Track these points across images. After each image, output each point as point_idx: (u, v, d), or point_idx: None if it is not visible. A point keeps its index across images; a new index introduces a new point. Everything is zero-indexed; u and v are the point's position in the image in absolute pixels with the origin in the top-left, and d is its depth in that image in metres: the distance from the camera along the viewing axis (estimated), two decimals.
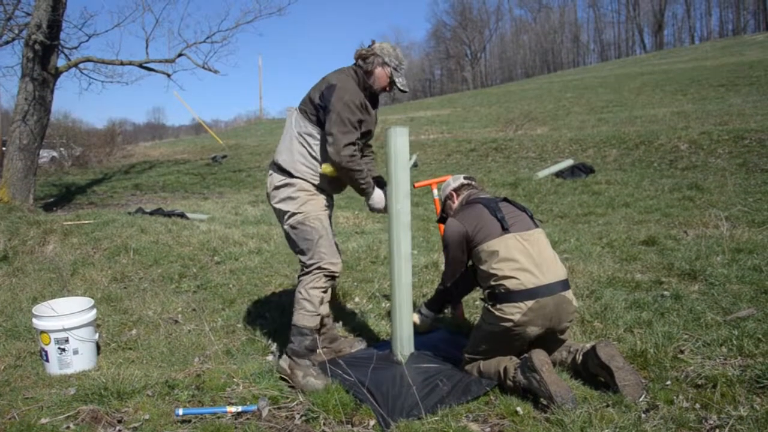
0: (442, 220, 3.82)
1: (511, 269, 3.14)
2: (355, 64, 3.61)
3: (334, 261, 3.51)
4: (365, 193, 3.59)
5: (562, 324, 3.23)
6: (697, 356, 3.30)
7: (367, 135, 3.64)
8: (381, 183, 3.74)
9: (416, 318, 3.93)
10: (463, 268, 3.55)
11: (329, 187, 3.60)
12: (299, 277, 3.58)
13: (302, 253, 3.54)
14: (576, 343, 3.41)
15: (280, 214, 3.58)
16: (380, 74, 3.54)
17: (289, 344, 3.52)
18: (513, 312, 3.10)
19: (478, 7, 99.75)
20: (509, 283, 3.12)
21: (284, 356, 3.53)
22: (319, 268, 3.47)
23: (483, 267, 3.27)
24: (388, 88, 3.61)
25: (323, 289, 3.50)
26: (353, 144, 3.37)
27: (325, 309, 3.68)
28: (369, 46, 3.60)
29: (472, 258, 3.41)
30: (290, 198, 3.51)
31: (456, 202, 3.72)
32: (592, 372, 3.14)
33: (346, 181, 3.55)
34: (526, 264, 3.16)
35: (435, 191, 4.36)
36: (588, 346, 3.21)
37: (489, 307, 3.21)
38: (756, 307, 3.91)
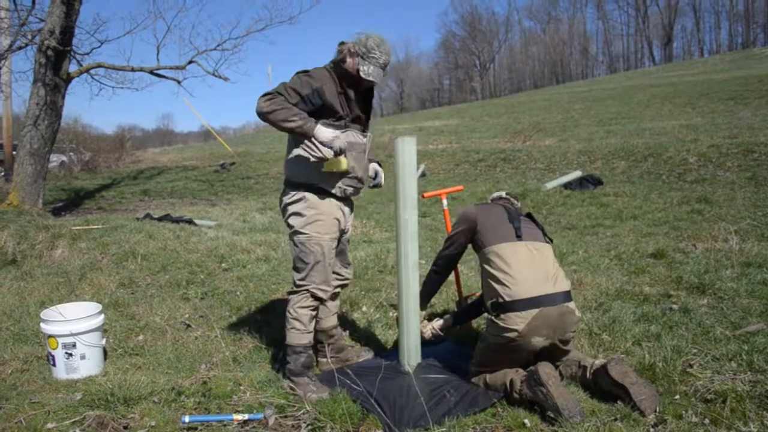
0: None
1: (515, 275, 3.16)
2: None
3: (324, 288, 3.50)
4: (304, 129, 3.29)
5: (566, 334, 3.21)
6: (707, 371, 3.28)
7: (357, 121, 3.58)
8: (376, 162, 3.83)
9: (434, 326, 3.87)
10: (455, 258, 3.69)
11: (344, 185, 3.52)
12: (288, 294, 3.59)
13: (296, 270, 3.55)
14: (585, 357, 3.39)
15: (288, 227, 3.58)
16: (350, 63, 3.49)
17: (285, 365, 3.53)
18: (517, 322, 3.09)
19: (488, 18, 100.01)
20: (513, 290, 3.12)
21: (285, 376, 3.53)
22: (307, 290, 3.47)
23: (489, 269, 3.27)
24: (360, 78, 3.48)
25: (311, 308, 3.51)
26: (273, 93, 3.31)
27: (330, 321, 3.75)
28: None
29: (480, 258, 3.42)
30: (298, 214, 3.49)
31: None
32: (606, 390, 3.12)
33: (279, 129, 3.35)
34: (531, 273, 3.17)
35: (444, 201, 4.34)
36: (598, 363, 3.19)
37: (493, 318, 3.20)
38: (766, 322, 3.89)
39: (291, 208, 3.53)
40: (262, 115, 3.30)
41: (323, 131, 3.33)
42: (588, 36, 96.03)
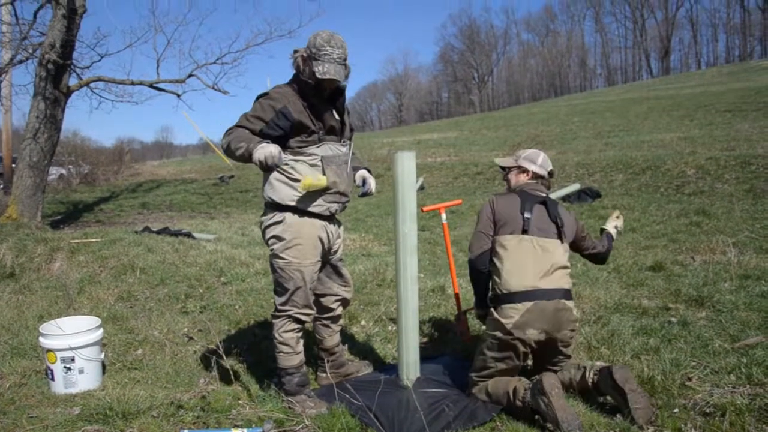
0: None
1: (515, 268, 3.22)
2: None
3: (306, 312, 3.45)
4: (251, 153, 3.07)
5: (562, 331, 3.22)
6: (705, 384, 3.28)
7: (332, 132, 3.42)
8: (364, 169, 3.68)
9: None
10: (487, 244, 3.47)
11: (326, 203, 3.40)
12: (272, 317, 3.52)
13: (276, 293, 3.48)
14: (586, 362, 3.40)
15: (269, 249, 3.49)
16: (305, 70, 3.32)
17: (281, 385, 3.50)
18: (512, 314, 3.14)
19: (486, 31, 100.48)
20: (511, 283, 3.19)
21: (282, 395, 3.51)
22: (289, 316, 3.43)
23: (494, 259, 3.37)
24: (319, 81, 3.28)
25: (296, 330, 3.46)
26: (232, 129, 3.24)
27: (333, 341, 3.78)
28: None
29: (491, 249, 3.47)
30: (277, 237, 3.38)
31: (513, 181, 3.73)
32: (603, 392, 3.13)
33: (242, 162, 3.21)
34: (531, 267, 3.22)
35: (443, 215, 4.34)
36: (599, 364, 3.21)
37: (492, 310, 3.25)
38: (764, 335, 3.89)
39: (269, 231, 3.42)
40: (225, 151, 3.25)
41: (256, 151, 3.05)
42: (586, 48, 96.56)
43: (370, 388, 3.46)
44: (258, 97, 3.37)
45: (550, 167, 3.72)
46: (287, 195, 3.34)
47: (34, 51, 10.94)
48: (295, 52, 3.36)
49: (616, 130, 21.83)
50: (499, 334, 3.20)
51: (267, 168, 3.09)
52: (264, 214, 3.50)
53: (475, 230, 3.57)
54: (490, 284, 3.39)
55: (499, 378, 3.29)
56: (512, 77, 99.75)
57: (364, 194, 3.64)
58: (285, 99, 3.29)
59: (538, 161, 3.69)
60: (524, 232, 3.33)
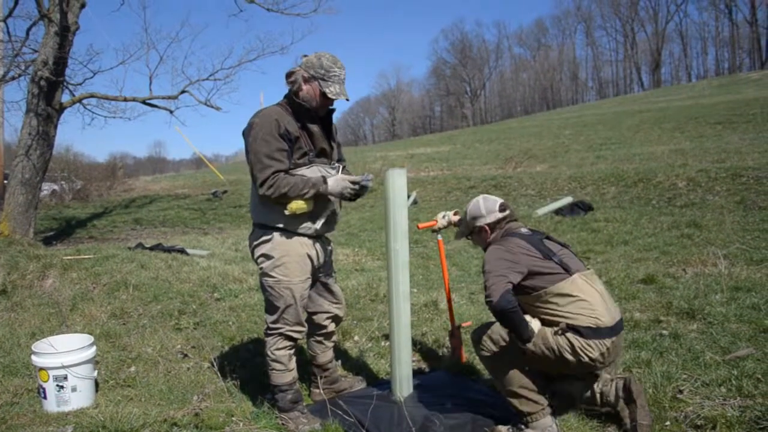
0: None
1: (587, 310, 3.01)
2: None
3: (297, 329, 3.46)
4: (319, 192, 3.27)
5: (618, 357, 3.26)
6: (697, 396, 3.30)
7: (323, 154, 3.44)
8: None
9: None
10: (508, 283, 3.02)
11: (313, 224, 3.41)
12: (265, 334, 3.52)
13: (267, 312, 3.49)
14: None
15: (258, 268, 3.50)
16: (308, 90, 3.34)
17: (274, 402, 3.51)
18: (594, 349, 2.97)
19: (478, 46, 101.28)
20: (588, 323, 2.99)
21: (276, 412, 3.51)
22: (281, 334, 3.44)
23: (548, 308, 3.08)
24: (326, 102, 3.37)
25: (288, 348, 3.47)
26: (269, 177, 3.20)
27: (326, 357, 3.79)
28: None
29: (528, 299, 3.14)
30: (266, 256, 3.40)
31: (491, 236, 3.41)
32: (607, 402, 3.15)
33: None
34: (600, 304, 3.05)
35: (439, 235, 4.31)
36: (616, 374, 3.24)
37: (573, 336, 3.00)
38: (755, 347, 3.91)
39: (258, 250, 3.44)
40: (278, 199, 3.23)
41: (334, 187, 3.30)
42: (577, 62, 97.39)
43: (363, 404, 3.46)
44: (255, 130, 3.27)
45: (496, 205, 3.43)
46: (275, 217, 3.36)
47: (27, 68, 10.96)
48: (292, 73, 3.35)
49: (608, 143, 21.98)
50: (585, 359, 3.00)
51: (352, 197, 3.36)
52: (252, 234, 3.52)
53: (489, 275, 3.06)
54: (565, 318, 3.05)
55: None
56: (504, 91, 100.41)
57: (365, 186, 3.39)
58: (281, 120, 3.28)
59: (483, 211, 3.42)
60: (567, 272, 3.10)
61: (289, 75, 3.38)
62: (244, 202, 18.54)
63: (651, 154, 16.72)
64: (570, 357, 2.99)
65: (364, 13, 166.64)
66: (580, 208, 11.16)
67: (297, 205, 3.24)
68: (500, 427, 3.19)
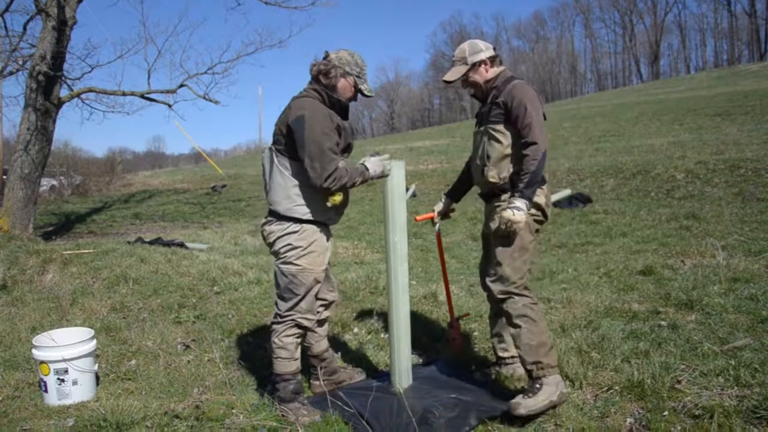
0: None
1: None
2: (314, 80, 3.48)
3: (309, 317, 3.49)
4: (365, 179, 3.41)
5: None
6: (694, 386, 3.31)
7: (347, 149, 3.53)
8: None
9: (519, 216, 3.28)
10: None
11: (336, 215, 3.53)
12: (272, 324, 3.54)
13: (282, 299, 3.47)
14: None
15: (277, 254, 3.46)
16: (344, 85, 3.45)
17: (275, 392, 3.51)
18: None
19: (477, 38, 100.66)
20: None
21: (275, 403, 3.52)
22: (293, 320, 3.45)
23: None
24: (354, 98, 3.55)
25: (296, 335, 3.49)
26: (336, 170, 3.23)
27: (321, 346, 3.77)
28: (324, 58, 3.48)
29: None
30: (291, 245, 3.39)
31: (489, 71, 3.53)
32: None
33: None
34: None
35: (437, 227, 4.34)
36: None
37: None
38: (753, 337, 3.93)
39: (284, 240, 3.40)
40: (340, 189, 3.31)
41: (375, 170, 3.42)
42: (576, 54, 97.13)
43: (362, 395, 3.48)
44: (314, 117, 3.26)
45: (487, 43, 3.58)
46: (312, 209, 3.39)
47: (25, 63, 10.96)
48: (333, 68, 3.41)
49: (606, 135, 21.94)
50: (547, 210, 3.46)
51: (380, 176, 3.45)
52: (274, 223, 3.45)
53: (537, 118, 3.57)
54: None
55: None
56: None
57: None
58: (330, 114, 3.35)
59: (482, 46, 3.53)
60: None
61: (325, 71, 3.41)
62: (243, 196, 18.55)
63: (650, 146, 16.70)
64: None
65: (362, 6, 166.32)
66: (579, 200, 11.18)
67: (338, 197, 3.33)
68: (516, 398, 3.23)
